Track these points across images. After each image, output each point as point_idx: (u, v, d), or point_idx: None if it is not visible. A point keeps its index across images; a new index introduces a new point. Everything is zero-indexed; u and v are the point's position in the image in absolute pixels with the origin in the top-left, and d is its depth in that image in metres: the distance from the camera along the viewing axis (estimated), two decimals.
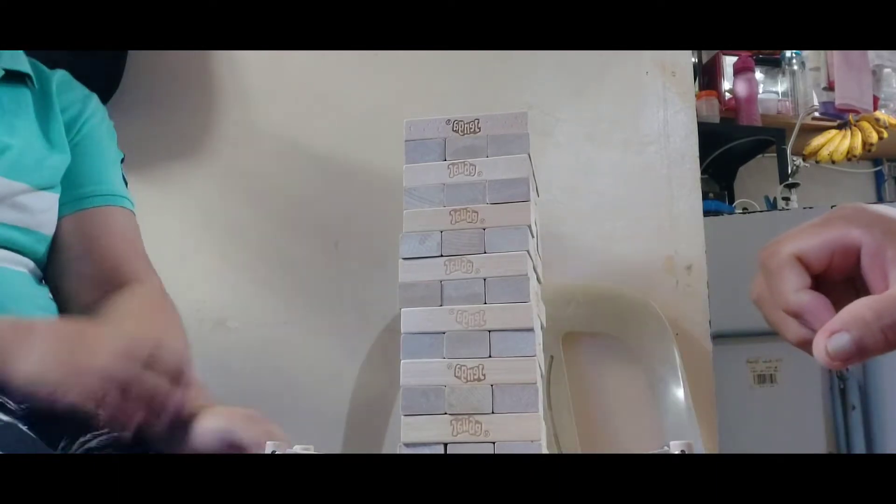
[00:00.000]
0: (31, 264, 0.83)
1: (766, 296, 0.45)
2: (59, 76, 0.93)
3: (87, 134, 0.91)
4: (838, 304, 0.41)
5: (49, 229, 0.85)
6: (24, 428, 0.64)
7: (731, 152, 2.65)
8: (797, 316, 0.43)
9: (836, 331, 0.39)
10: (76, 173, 0.88)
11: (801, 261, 0.43)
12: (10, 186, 0.80)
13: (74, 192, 0.87)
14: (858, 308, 0.39)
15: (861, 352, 0.38)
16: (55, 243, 0.86)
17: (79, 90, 0.94)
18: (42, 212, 0.83)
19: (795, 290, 0.42)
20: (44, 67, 0.91)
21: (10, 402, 0.68)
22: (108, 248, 0.86)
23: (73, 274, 0.86)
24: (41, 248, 0.84)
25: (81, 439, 0.76)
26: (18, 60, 0.87)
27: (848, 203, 0.45)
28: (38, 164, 0.84)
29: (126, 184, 0.93)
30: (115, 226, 0.88)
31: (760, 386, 1.92)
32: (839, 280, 0.43)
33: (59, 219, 0.85)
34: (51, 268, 0.86)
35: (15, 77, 0.86)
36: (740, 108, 2.69)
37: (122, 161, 0.96)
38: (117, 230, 0.88)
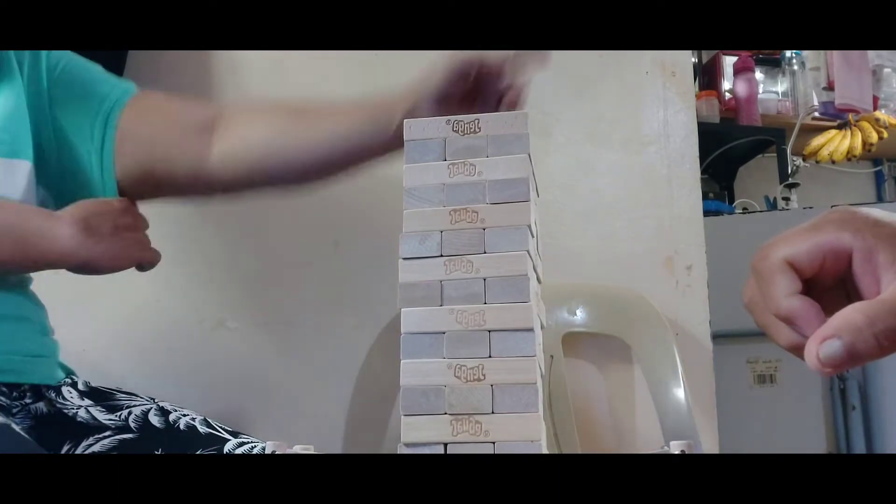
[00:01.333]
0: None
1: (758, 300, 0.45)
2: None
3: (56, 66, 0.87)
4: (829, 309, 0.41)
5: (30, 198, 0.82)
6: (17, 429, 0.64)
7: (731, 152, 2.65)
8: (788, 321, 0.43)
9: (827, 337, 0.38)
10: (83, 97, 0.87)
11: (792, 265, 0.43)
12: None
13: (99, 107, 0.87)
14: (850, 313, 0.39)
15: (853, 358, 0.38)
16: (123, 141, 0.86)
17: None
18: (19, 179, 0.81)
19: (786, 294, 0.42)
20: None
21: (3, 398, 0.68)
22: (173, 113, 0.88)
23: (167, 140, 0.87)
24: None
25: (85, 443, 0.77)
26: None
27: (840, 207, 0.45)
28: (3, 130, 0.81)
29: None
30: (154, 101, 0.89)
31: (760, 386, 1.92)
32: (830, 284, 0.43)
33: (112, 126, 0.86)
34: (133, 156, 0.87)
35: None
36: (740, 108, 2.69)
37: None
38: (160, 101, 0.90)
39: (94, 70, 0.91)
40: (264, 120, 0.85)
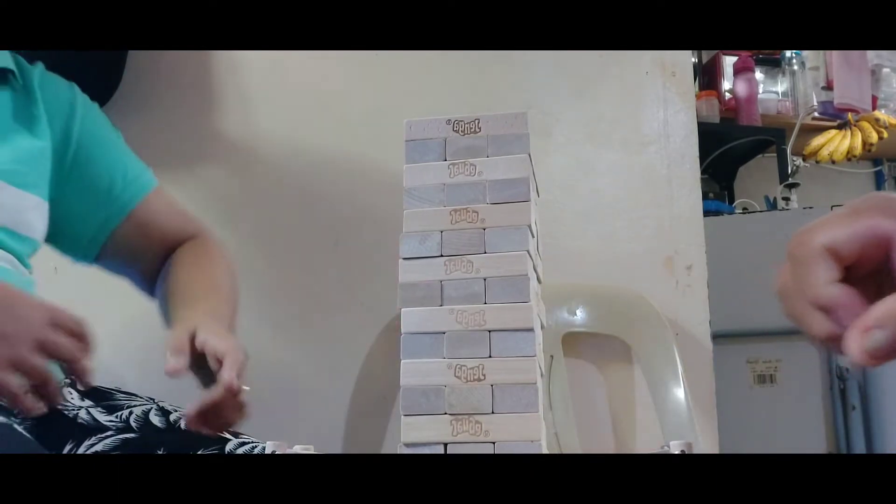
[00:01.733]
0: (15, 261, 0.83)
1: (792, 287, 0.43)
2: (40, 71, 0.91)
3: (87, 132, 0.91)
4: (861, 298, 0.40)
5: (27, 230, 0.84)
6: (20, 428, 0.64)
7: (731, 152, 2.64)
8: (827, 310, 0.41)
9: (870, 327, 0.37)
10: (99, 179, 0.91)
11: (832, 252, 0.41)
12: None
13: (108, 202, 0.92)
14: (893, 304, 0.37)
15: None
16: (118, 249, 0.93)
17: (62, 85, 0.93)
18: (21, 210, 0.82)
19: (826, 282, 0.40)
20: (25, 62, 0.90)
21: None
22: (161, 231, 0.95)
23: (142, 262, 0.95)
24: (17, 246, 0.83)
25: (87, 442, 0.77)
26: (1, 56, 0.85)
27: (882, 192, 0.43)
28: (18, 161, 0.83)
29: (132, 153, 0.98)
30: (157, 212, 0.95)
31: (760, 386, 1.92)
32: (867, 272, 0.42)
33: (113, 230, 0.92)
34: (118, 265, 0.96)
35: None
36: (740, 108, 2.68)
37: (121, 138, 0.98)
38: (160, 214, 0.96)
39: (110, 143, 0.95)
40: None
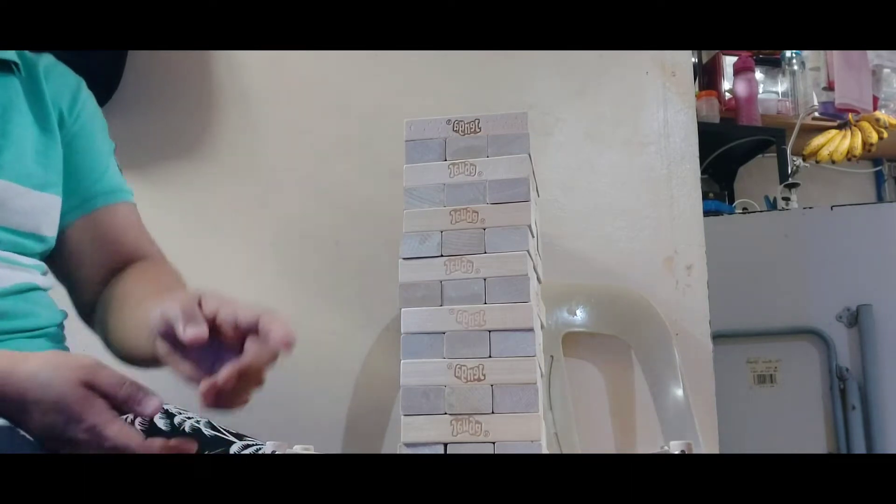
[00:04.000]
0: (37, 272, 0.83)
1: None
2: (46, 61, 0.90)
3: (81, 128, 0.90)
4: None
5: (49, 230, 0.84)
6: (23, 432, 0.64)
7: (731, 152, 2.64)
8: None
9: None
10: (76, 172, 0.88)
11: None
12: (7, 190, 0.79)
13: (78, 194, 0.88)
14: None
15: None
16: (65, 246, 0.88)
17: (69, 76, 0.92)
18: (42, 213, 0.83)
19: None
20: (28, 53, 0.88)
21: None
22: (117, 242, 0.90)
23: (86, 267, 0.90)
24: (40, 248, 0.84)
25: None
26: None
27: None
28: (35, 162, 0.83)
29: (120, 171, 0.95)
30: (121, 221, 0.92)
31: (760, 386, 1.92)
32: None
33: (68, 224, 0.88)
34: (60, 264, 0.90)
35: (0, 66, 0.83)
36: (740, 108, 2.68)
37: (115, 150, 0.96)
38: (123, 224, 0.92)
39: (101, 146, 0.93)
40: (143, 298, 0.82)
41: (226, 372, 0.61)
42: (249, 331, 0.64)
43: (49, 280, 0.87)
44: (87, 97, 0.93)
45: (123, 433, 0.61)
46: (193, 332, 0.61)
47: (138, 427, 0.78)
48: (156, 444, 0.62)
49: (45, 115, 0.86)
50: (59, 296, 0.90)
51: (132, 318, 0.80)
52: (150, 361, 0.73)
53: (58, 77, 0.90)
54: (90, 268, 0.90)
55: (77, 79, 0.93)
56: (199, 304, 0.65)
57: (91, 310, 0.90)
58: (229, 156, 1.31)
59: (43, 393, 0.61)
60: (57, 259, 0.89)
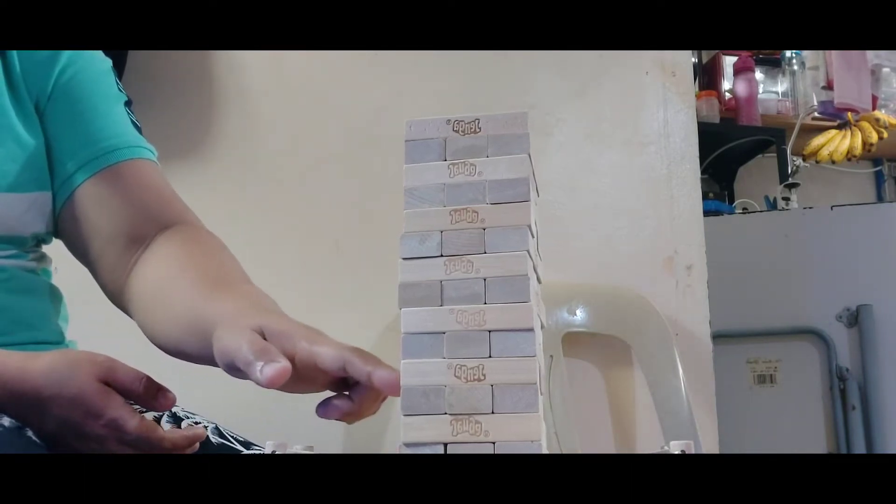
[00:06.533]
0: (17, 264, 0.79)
1: None
2: (22, 54, 0.80)
3: (70, 84, 0.81)
4: None
5: (28, 229, 0.79)
6: (29, 433, 0.64)
7: (731, 152, 2.65)
8: None
9: None
10: (74, 133, 0.79)
11: None
12: None
13: (82, 154, 0.78)
14: None
15: None
16: (73, 215, 0.79)
17: (42, 54, 0.80)
18: (21, 214, 0.77)
19: None
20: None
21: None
22: (138, 203, 0.79)
23: (102, 238, 0.79)
24: (29, 243, 0.80)
25: None
26: None
27: None
28: (9, 160, 0.76)
29: (139, 129, 0.84)
30: (141, 179, 0.80)
31: (760, 386, 1.92)
32: None
33: (74, 189, 0.78)
34: (74, 240, 0.80)
35: None
36: (740, 108, 2.69)
37: (130, 105, 0.85)
38: (143, 183, 0.80)
39: (105, 99, 0.83)
40: (177, 271, 0.76)
41: (390, 376, 0.56)
42: (336, 373, 0.60)
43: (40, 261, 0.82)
44: (76, 56, 0.83)
45: (144, 426, 0.61)
46: (279, 367, 0.55)
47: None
48: (176, 434, 0.62)
49: (20, 98, 0.79)
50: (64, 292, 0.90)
51: (178, 324, 0.72)
52: (207, 361, 0.67)
53: (30, 59, 0.80)
54: (107, 237, 0.78)
55: (54, 52, 0.82)
56: (263, 337, 0.61)
57: (121, 291, 0.80)
58: (229, 156, 1.32)
59: (60, 388, 0.61)
60: (69, 233, 0.80)
